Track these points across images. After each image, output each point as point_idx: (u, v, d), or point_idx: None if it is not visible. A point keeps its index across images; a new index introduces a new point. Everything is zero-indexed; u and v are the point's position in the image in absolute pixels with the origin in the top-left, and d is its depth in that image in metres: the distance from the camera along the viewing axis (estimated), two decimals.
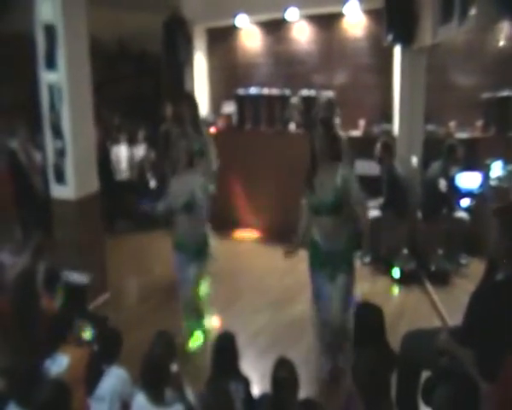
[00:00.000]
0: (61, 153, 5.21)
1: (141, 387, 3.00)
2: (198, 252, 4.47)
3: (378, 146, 6.04)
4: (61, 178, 5.26)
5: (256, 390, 3.44)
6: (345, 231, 3.79)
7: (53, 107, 5.21)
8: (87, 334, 3.81)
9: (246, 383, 3.26)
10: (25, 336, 3.50)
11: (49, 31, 5.04)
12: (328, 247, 3.81)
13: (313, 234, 3.90)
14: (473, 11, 3.86)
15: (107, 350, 3.33)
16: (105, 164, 7.40)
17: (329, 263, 3.81)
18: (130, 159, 8.09)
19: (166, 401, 2.96)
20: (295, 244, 4.02)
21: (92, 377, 3.21)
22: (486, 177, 5.50)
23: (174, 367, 3.10)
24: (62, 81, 5.10)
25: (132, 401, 3.03)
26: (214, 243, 5.88)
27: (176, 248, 4.56)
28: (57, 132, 5.21)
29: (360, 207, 3.82)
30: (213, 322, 4.99)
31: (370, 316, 3.32)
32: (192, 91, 6.35)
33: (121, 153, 8.00)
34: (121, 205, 8.01)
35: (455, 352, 2.86)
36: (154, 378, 2.97)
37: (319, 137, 3.74)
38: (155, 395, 2.94)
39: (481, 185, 5.95)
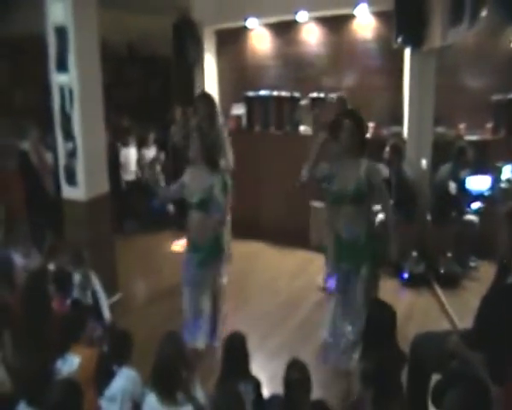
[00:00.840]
0: (71, 154, 5.24)
1: (152, 388, 3.01)
2: (210, 255, 4.36)
3: (387, 148, 6.04)
4: (71, 179, 5.29)
5: (265, 392, 3.44)
6: (365, 222, 3.80)
7: (64, 108, 5.24)
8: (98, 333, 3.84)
9: (256, 384, 3.27)
10: (35, 336, 3.52)
11: (60, 32, 5.07)
12: (349, 236, 3.82)
13: (336, 226, 3.91)
14: (483, 13, 3.85)
15: (117, 351, 3.35)
16: (114, 165, 7.44)
17: (353, 255, 3.81)
18: (140, 160, 8.14)
19: (177, 402, 2.97)
20: (303, 177, 4.02)
21: (103, 377, 3.22)
22: (497, 179, 5.46)
23: (184, 368, 3.12)
24: (73, 83, 5.12)
25: (143, 402, 3.04)
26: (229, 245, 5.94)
27: (187, 249, 4.48)
28: (68, 134, 5.24)
29: (384, 203, 3.86)
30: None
31: (383, 314, 3.32)
32: (204, 92, 6.32)
33: (130, 155, 8.05)
34: (131, 206, 8.06)
35: (465, 355, 2.86)
36: (165, 380, 2.97)
37: (345, 130, 3.76)
38: (166, 396, 2.95)
39: (491, 188, 5.92)
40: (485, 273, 5.43)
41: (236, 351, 3.33)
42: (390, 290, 5.58)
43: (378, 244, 3.95)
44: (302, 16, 6.96)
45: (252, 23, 7.38)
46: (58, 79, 5.23)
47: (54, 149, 5.88)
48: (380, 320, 3.30)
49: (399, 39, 5.97)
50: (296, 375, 3.01)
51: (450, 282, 5.58)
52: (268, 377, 3.79)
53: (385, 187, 3.93)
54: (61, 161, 5.38)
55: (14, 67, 7.80)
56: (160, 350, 3.10)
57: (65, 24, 5.03)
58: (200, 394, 3.17)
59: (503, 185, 5.42)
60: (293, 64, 7.46)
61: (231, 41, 7.85)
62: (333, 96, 6.38)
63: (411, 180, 5.98)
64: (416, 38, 5.89)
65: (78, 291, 4.25)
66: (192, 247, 4.43)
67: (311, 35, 7.27)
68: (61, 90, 5.22)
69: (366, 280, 3.83)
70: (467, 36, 4.96)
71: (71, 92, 5.16)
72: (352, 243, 3.83)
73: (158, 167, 8.06)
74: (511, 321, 2.59)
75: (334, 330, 4.11)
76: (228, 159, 5.55)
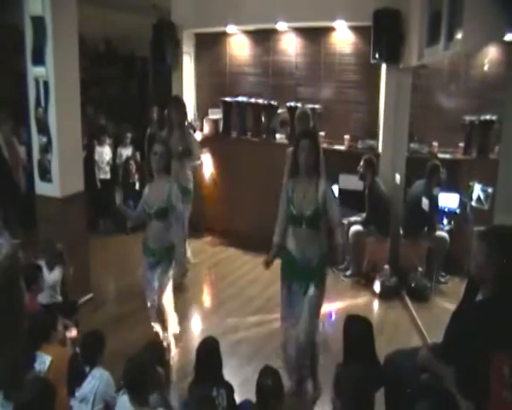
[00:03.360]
0: (45, 149, 5.13)
1: (124, 389, 2.96)
2: (164, 257, 4.38)
3: (361, 162, 6.11)
4: (45, 174, 5.18)
5: (237, 397, 3.40)
6: (318, 245, 3.78)
7: (39, 101, 5.13)
8: (72, 333, 3.77)
9: (228, 389, 3.24)
10: (8, 332, 3.42)
11: (38, 23, 4.96)
12: (302, 258, 3.79)
13: (288, 244, 3.88)
14: (459, 35, 3.93)
15: (89, 352, 3.27)
16: (89, 163, 7.33)
17: (303, 276, 3.79)
18: (115, 160, 8.03)
19: (150, 405, 2.93)
20: (272, 253, 3.99)
21: (74, 378, 3.16)
22: (468, 198, 5.58)
23: (159, 371, 3.08)
24: (50, 75, 5.02)
25: (115, 403, 3.00)
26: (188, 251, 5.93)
27: (145, 254, 4.49)
28: (42, 128, 5.14)
29: (335, 222, 3.82)
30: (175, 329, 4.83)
31: (359, 329, 3.34)
32: (180, 95, 6.31)
33: (105, 153, 7.93)
34: (105, 205, 7.92)
35: (435, 368, 2.89)
36: (138, 382, 2.92)
37: (303, 150, 3.73)
38: (139, 399, 2.90)
39: (459, 206, 6.06)
40: (454, 289, 5.56)
41: (210, 356, 3.30)
42: (362, 302, 5.67)
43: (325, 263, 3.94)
44: (281, 26, 6.99)
45: (231, 29, 7.38)
46: (34, 71, 5.11)
47: (27, 143, 5.74)
48: (355, 336, 3.32)
49: (376, 55, 6.06)
50: (269, 382, 3.00)
51: (421, 296, 5.65)
52: (240, 382, 3.76)
53: (338, 208, 3.89)
54: (35, 156, 5.27)
55: None
56: (137, 355, 3.06)
57: (42, 14, 4.91)
58: (174, 397, 3.14)
59: (473, 204, 5.53)
60: (271, 72, 7.48)
61: (210, 45, 7.84)
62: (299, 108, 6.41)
63: (385, 194, 6.06)
64: (392, 55, 6.01)
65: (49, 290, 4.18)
66: (147, 251, 4.45)
67: (290, 45, 7.31)
68: (37, 82, 5.11)
69: (314, 299, 3.78)
70: (443, 56, 5.05)
71: (46, 85, 5.04)
72: (304, 266, 3.79)
73: (133, 167, 7.97)
74: (480, 337, 2.62)
75: (285, 355, 4.03)
76: (197, 156, 5.78)
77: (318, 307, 3.88)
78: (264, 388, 2.99)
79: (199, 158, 6.02)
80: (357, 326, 3.38)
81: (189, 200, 5.86)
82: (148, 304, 4.46)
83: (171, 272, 4.47)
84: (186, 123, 5.84)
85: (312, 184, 3.75)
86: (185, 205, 5.54)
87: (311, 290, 3.77)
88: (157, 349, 3.27)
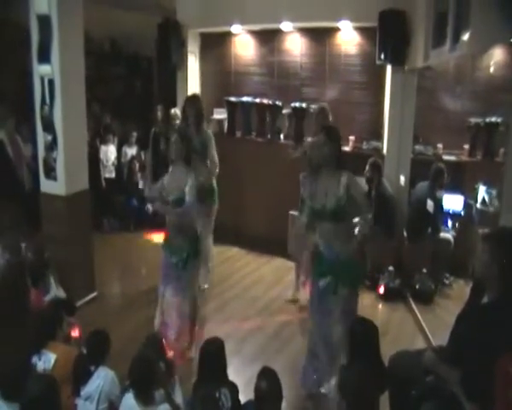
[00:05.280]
0: (50, 147, 5.14)
1: (129, 387, 2.96)
2: (188, 256, 4.32)
3: (368, 166, 6.08)
4: (50, 172, 5.19)
5: (242, 397, 3.40)
6: (346, 239, 3.73)
7: (44, 99, 5.14)
8: (76, 332, 3.77)
9: (233, 389, 3.24)
10: (13, 329, 3.42)
11: (44, 21, 4.96)
12: (329, 253, 3.76)
13: (316, 240, 3.86)
14: (465, 36, 3.91)
15: (95, 352, 3.28)
16: (94, 162, 7.33)
17: (332, 272, 3.74)
18: (120, 159, 8.03)
19: (155, 401, 2.93)
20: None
21: (80, 377, 3.17)
22: (473, 200, 5.57)
23: (162, 368, 3.08)
24: (56, 74, 5.02)
25: (120, 401, 3.00)
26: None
27: (164, 250, 4.44)
28: (48, 126, 5.14)
29: (362, 215, 3.79)
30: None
31: (365, 332, 3.33)
32: (194, 94, 6.27)
33: (110, 152, 7.95)
34: (109, 204, 7.95)
35: (440, 371, 2.88)
36: (142, 379, 2.93)
37: (323, 145, 3.71)
38: (144, 396, 2.91)
39: (464, 209, 6.04)
40: (458, 291, 5.57)
41: (214, 356, 3.31)
42: (366, 303, 5.63)
43: (357, 262, 3.92)
44: (286, 26, 6.99)
45: (236, 29, 7.38)
46: (39, 69, 5.11)
47: (30, 140, 5.74)
48: (361, 338, 3.31)
49: (382, 56, 6.05)
50: (265, 384, 2.97)
51: (425, 298, 5.62)
52: (244, 382, 3.74)
53: (367, 200, 3.91)
54: (40, 154, 5.27)
55: None
56: (139, 351, 3.06)
57: (48, 13, 4.92)
58: (178, 394, 3.14)
59: (478, 206, 5.52)
60: (276, 72, 7.47)
61: (215, 45, 7.83)
62: (315, 106, 6.41)
63: (390, 196, 6.04)
64: (398, 56, 5.99)
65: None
66: (169, 248, 4.39)
67: (295, 45, 7.30)
68: (43, 80, 5.12)
69: (345, 301, 3.73)
70: (449, 58, 5.03)
71: (52, 83, 5.05)
72: (332, 261, 3.76)
73: (137, 166, 7.98)
74: (485, 340, 2.61)
75: (312, 357, 4.01)
76: (213, 162, 5.60)
77: (351, 309, 3.80)
78: (259, 391, 2.97)
79: (215, 165, 5.68)
80: (363, 328, 3.38)
81: (213, 200, 5.73)
82: (158, 312, 4.42)
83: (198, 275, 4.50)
84: (203, 119, 5.74)
85: (334, 178, 3.70)
86: (209, 205, 5.58)
87: (343, 291, 3.72)
88: (157, 345, 3.25)
